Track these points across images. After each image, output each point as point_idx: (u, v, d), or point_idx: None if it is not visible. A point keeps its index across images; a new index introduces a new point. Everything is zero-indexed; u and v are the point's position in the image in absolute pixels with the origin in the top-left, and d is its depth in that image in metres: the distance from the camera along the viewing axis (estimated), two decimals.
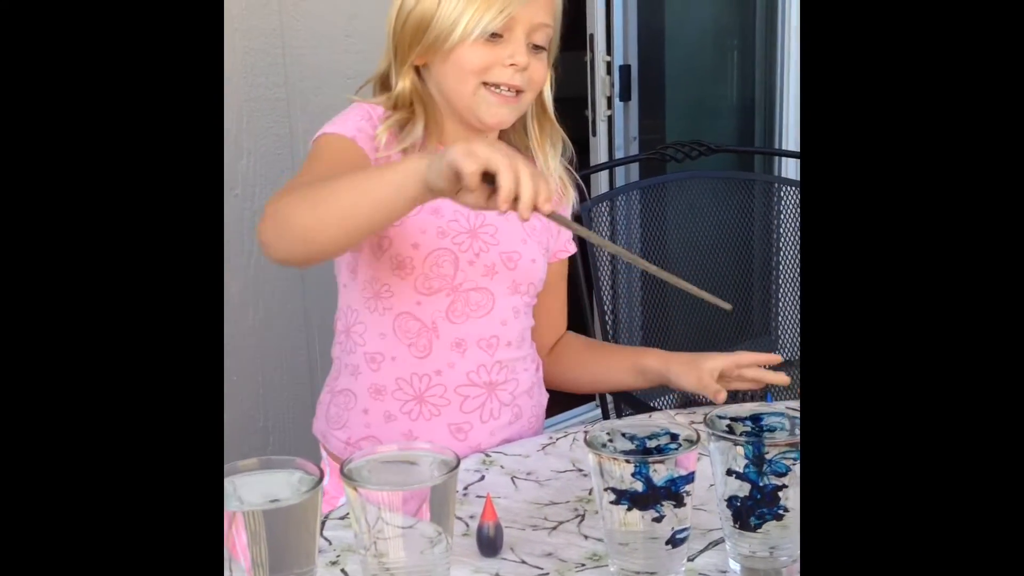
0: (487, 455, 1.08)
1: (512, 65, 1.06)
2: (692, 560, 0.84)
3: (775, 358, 1.13)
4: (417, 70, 1.11)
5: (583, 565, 0.85)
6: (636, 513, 0.77)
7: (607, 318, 1.74)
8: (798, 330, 2.14)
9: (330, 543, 0.89)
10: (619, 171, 2.46)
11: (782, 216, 2.03)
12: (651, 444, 0.81)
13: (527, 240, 1.15)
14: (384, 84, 1.14)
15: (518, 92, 1.08)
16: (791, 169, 2.74)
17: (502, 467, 1.05)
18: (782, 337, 2.51)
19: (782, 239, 2.06)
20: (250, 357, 1.63)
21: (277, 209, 0.95)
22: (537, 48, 1.09)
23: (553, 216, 0.84)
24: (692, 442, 0.79)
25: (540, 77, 1.10)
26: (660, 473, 0.77)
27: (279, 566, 0.74)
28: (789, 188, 1.99)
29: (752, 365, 1.12)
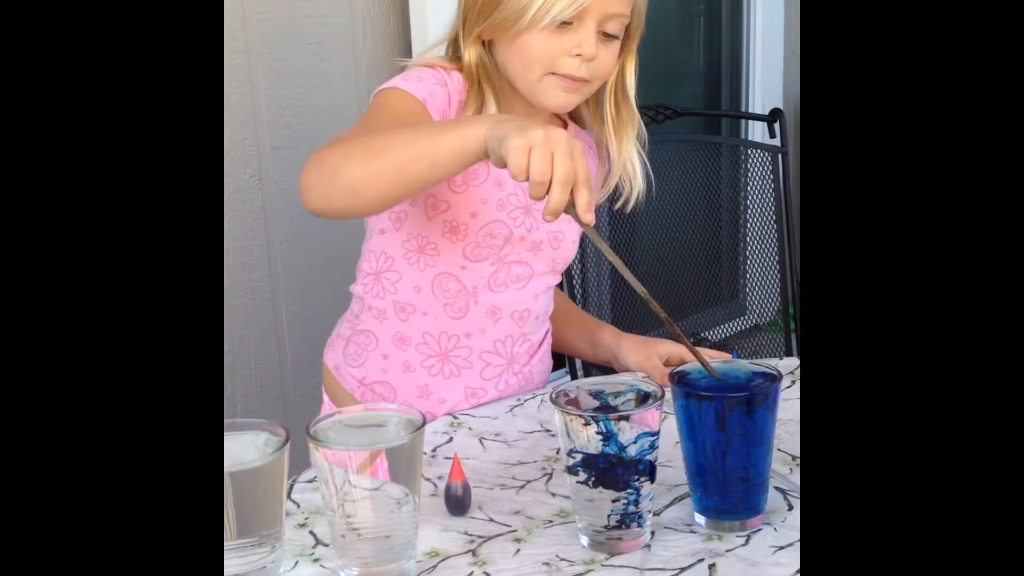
0: (455, 417, 1.09)
1: (578, 55, 1.02)
2: (658, 515, 0.85)
3: (726, 356, 1.14)
4: (484, 42, 1.07)
5: (550, 522, 0.85)
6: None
7: (575, 282, 1.75)
8: (766, 293, 2.15)
9: (298, 506, 0.89)
10: None
11: (749, 179, 2.04)
12: (615, 402, 0.81)
13: (571, 220, 1.14)
14: (455, 47, 1.11)
15: (584, 81, 1.04)
16: (758, 132, 2.74)
17: (470, 429, 1.06)
18: (750, 301, 2.53)
19: (749, 202, 2.06)
20: None
21: (325, 159, 0.93)
22: (608, 36, 1.05)
23: (587, 228, 0.84)
24: (657, 398, 0.80)
25: (608, 67, 1.06)
26: (625, 432, 0.77)
27: (246, 528, 0.74)
28: (756, 151, 1.99)
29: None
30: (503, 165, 0.83)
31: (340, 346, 1.17)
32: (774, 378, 0.81)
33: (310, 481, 0.92)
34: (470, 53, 1.07)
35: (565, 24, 1.02)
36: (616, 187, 1.15)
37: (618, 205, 1.16)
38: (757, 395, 0.80)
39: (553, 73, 1.03)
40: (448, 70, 1.08)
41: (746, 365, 0.85)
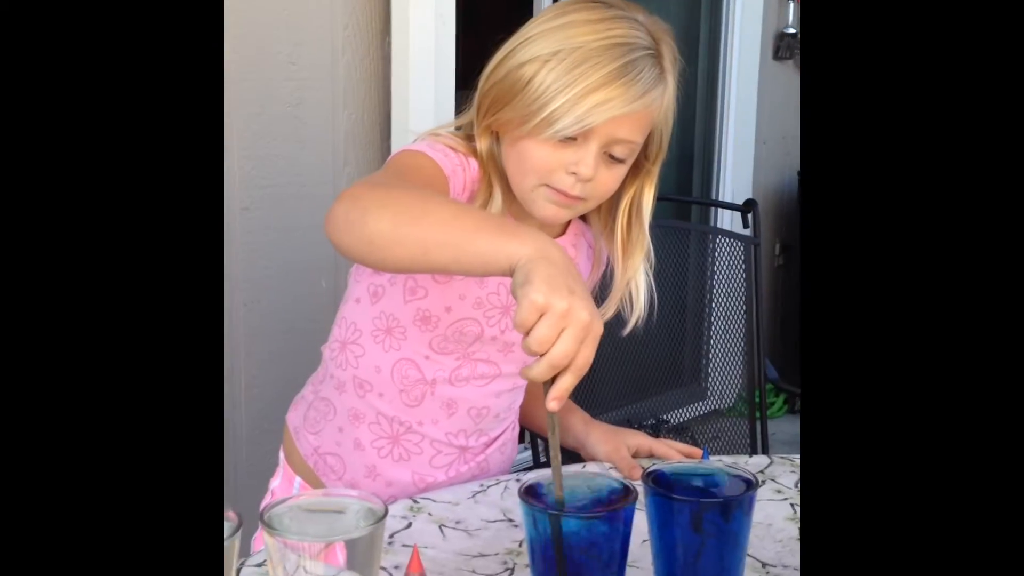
0: (415, 501, 1.05)
1: (574, 174, 0.98)
2: None
3: (696, 452, 1.11)
4: (495, 134, 1.03)
5: None
6: None
7: None
8: (728, 379, 2.14)
9: None
10: None
11: (716, 266, 2.04)
12: (583, 501, 0.78)
13: None
14: (471, 127, 1.05)
15: (578, 199, 1.00)
16: (726, 220, 2.77)
17: (430, 514, 1.02)
18: (711, 386, 2.52)
19: (715, 289, 2.07)
20: None
21: (361, 196, 0.87)
22: (614, 159, 1.00)
23: (548, 414, 0.76)
24: (628, 498, 0.77)
25: (606, 188, 1.02)
26: (596, 529, 0.74)
27: None
28: (724, 239, 2.00)
29: (668, 454, 1.11)
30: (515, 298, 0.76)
31: (302, 408, 1.14)
32: (751, 484, 0.79)
33: (259, 565, 0.88)
34: (482, 143, 1.03)
35: (569, 139, 0.97)
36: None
37: (625, 332, 1.09)
38: (733, 501, 0.77)
39: (547, 185, 0.99)
40: (467, 155, 1.04)
41: (722, 467, 0.82)
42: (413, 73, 1.70)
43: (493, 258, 0.79)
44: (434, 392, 1.07)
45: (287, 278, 1.67)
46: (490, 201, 1.03)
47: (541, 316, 0.73)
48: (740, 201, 2.01)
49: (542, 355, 0.73)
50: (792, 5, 2.96)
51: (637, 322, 1.08)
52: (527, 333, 0.73)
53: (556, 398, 0.74)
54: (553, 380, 0.74)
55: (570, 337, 0.73)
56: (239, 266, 1.64)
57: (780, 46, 2.97)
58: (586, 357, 0.74)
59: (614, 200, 1.07)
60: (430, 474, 1.10)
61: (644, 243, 1.08)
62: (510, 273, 0.78)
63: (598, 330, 0.75)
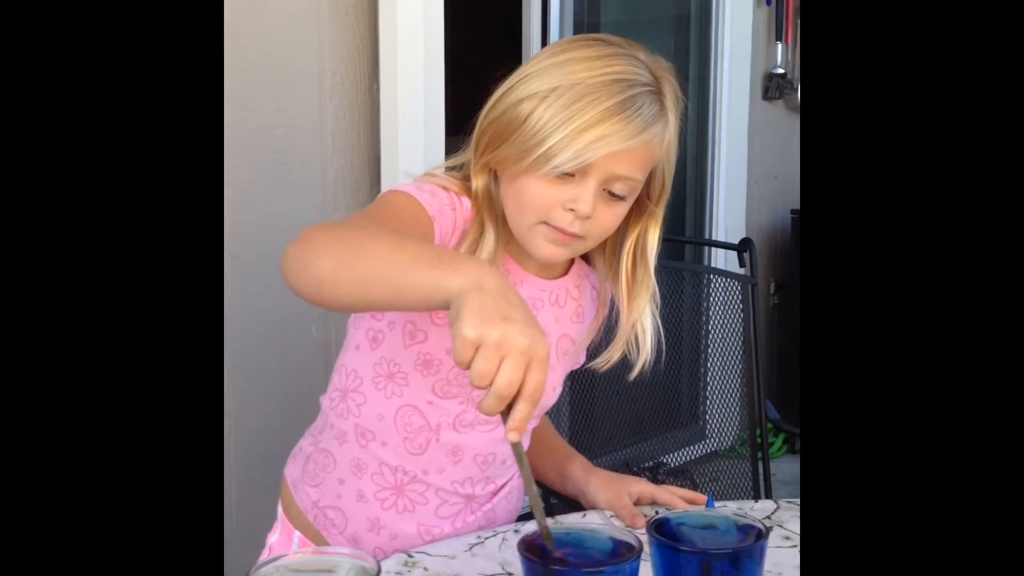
0: (410, 555, 1.01)
1: (572, 210, 0.96)
2: None
3: (700, 498, 1.08)
4: (492, 172, 1.01)
5: None
6: None
7: None
8: (725, 420, 2.12)
9: None
10: None
11: (711, 306, 2.02)
12: (590, 552, 0.75)
13: (555, 367, 1.07)
14: (468, 167, 1.04)
15: (577, 236, 0.98)
16: (721, 260, 2.76)
17: (426, 569, 0.98)
18: (710, 427, 2.49)
19: (711, 328, 2.05)
20: None
21: (311, 238, 0.87)
22: (614, 196, 0.98)
23: (512, 446, 0.75)
24: (633, 552, 0.74)
25: (606, 227, 1.00)
26: None
27: None
28: (719, 278, 1.98)
29: (672, 502, 1.08)
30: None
31: (301, 461, 1.11)
32: (761, 533, 0.76)
33: None
34: (478, 181, 1.02)
35: (567, 175, 0.95)
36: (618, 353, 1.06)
37: (632, 376, 1.06)
38: (743, 551, 0.74)
39: (546, 223, 0.98)
40: (459, 195, 1.02)
41: (729, 515, 0.79)
42: (402, 119, 1.69)
43: (429, 293, 0.78)
44: (439, 439, 1.04)
45: (276, 326, 1.65)
46: (481, 240, 1.01)
47: (477, 350, 0.71)
48: (734, 240, 2.00)
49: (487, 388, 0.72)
50: (780, 46, 2.97)
51: (644, 365, 1.05)
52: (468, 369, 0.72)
53: (514, 428, 0.73)
54: (510, 410, 0.72)
55: (511, 366, 0.71)
56: (228, 314, 1.61)
57: (769, 86, 2.98)
58: (535, 382, 0.72)
59: (618, 241, 1.05)
60: (436, 525, 1.06)
61: (650, 285, 1.06)
62: (447, 307, 0.76)
63: (542, 352, 0.73)
